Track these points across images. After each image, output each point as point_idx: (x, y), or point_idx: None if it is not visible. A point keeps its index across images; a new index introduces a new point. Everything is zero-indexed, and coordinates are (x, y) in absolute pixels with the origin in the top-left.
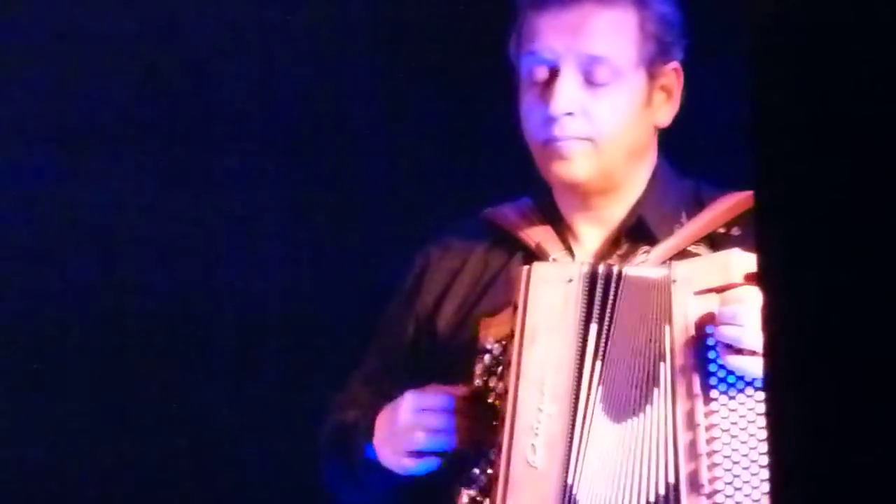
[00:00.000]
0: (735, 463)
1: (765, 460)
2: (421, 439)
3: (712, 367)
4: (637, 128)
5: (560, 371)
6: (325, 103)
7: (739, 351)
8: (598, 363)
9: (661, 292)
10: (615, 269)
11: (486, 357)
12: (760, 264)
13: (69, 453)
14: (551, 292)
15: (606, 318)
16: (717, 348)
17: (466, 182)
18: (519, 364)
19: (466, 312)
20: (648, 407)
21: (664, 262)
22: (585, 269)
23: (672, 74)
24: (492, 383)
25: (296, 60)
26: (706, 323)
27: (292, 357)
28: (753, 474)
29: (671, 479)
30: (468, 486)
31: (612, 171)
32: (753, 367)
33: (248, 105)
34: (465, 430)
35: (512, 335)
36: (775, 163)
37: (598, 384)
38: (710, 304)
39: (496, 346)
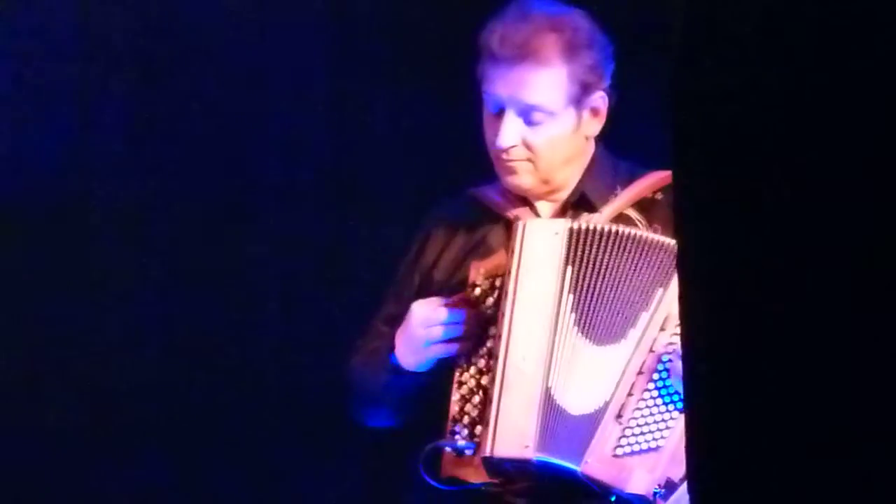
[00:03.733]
0: (643, 434)
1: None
2: (433, 347)
3: (661, 372)
4: (567, 145)
5: (545, 300)
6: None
7: None
8: (572, 296)
9: (668, 258)
10: (595, 227)
11: (476, 290)
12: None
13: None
14: (541, 241)
15: (585, 263)
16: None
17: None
18: (515, 293)
19: (458, 265)
20: (623, 340)
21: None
22: (569, 225)
23: (599, 100)
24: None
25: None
26: None
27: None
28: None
29: (608, 408)
30: (459, 387)
31: (550, 178)
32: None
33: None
34: (460, 339)
35: (499, 273)
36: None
37: (572, 312)
38: None
39: (485, 282)
